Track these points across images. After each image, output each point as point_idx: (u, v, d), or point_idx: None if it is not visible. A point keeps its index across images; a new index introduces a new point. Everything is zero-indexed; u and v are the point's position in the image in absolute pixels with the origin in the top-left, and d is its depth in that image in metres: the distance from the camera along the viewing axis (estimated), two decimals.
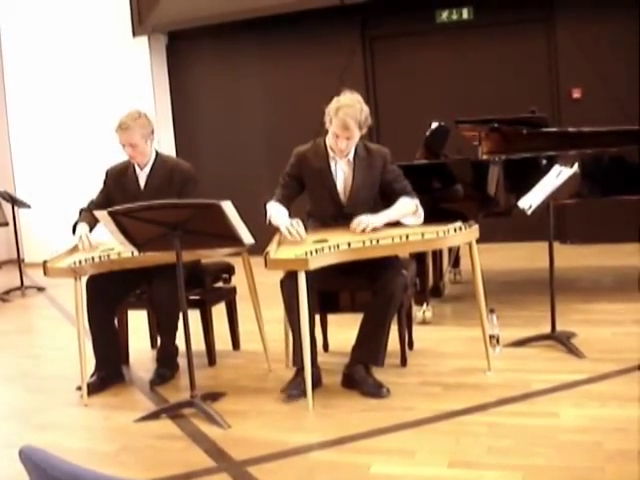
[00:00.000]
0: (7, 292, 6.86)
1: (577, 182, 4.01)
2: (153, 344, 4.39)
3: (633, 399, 3.01)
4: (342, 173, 3.59)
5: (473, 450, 2.68)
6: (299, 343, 3.26)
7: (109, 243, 3.63)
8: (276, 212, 3.54)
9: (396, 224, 3.52)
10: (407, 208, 3.55)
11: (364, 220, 3.37)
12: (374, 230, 3.36)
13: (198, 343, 3.88)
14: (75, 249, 3.74)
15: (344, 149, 3.48)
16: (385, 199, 3.60)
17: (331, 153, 3.57)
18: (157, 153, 3.87)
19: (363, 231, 3.33)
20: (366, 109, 3.44)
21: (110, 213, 3.10)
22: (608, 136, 4.95)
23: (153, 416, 3.24)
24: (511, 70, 7.36)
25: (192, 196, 3.68)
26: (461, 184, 4.68)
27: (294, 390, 3.32)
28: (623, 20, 6.82)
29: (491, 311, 3.78)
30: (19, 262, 7.08)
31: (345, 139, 3.43)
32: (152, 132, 3.79)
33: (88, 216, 3.78)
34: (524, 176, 4.26)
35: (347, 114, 3.36)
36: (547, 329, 3.89)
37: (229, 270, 4.22)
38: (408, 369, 3.70)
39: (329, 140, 3.53)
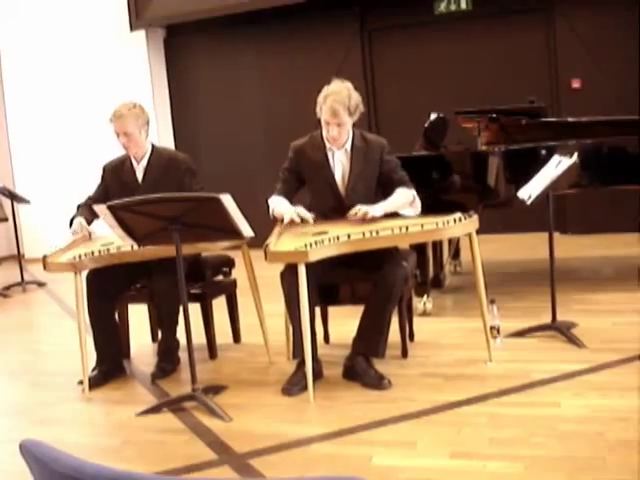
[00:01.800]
0: (7, 288, 6.86)
1: (576, 172, 4.00)
2: (154, 338, 4.39)
3: (634, 389, 3.01)
4: (340, 164, 3.59)
5: (474, 441, 2.68)
6: (299, 335, 3.26)
7: (108, 237, 3.63)
8: (278, 203, 3.54)
9: (394, 215, 3.52)
10: (404, 199, 3.55)
11: (363, 208, 3.36)
12: (372, 220, 3.34)
13: (199, 337, 3.89)
14: (74, 243, 3.74)
15: (336, 137, 3.48)
16: (383, 190, 3.60)
17: (328, 145, 3.57)
18: (153, 146, 3.87)
19: (363, 219, 3.32)
20: (355, 96, 3.44)
21: (109, 207, 3.10)
22: (607, 126, 4.95)
23: (155, 410, 3.25)
24: (510, 60, 7.34)
25: (193, 187, 3.69)
26: (461, 175, 4.67)
27: (294, 387, 3.32)
28: (622, 9, 6.80)
29: (491, 302, 3.78)
30: (19, 258, 7.08)
31: (336, 126, 3.44)
32: (147, 123, 3.79)
33: (85, 211, 3.79)
34: (524, 166, 4.25)
35: (335, 100, 3.38)
36: (547, 319, 3.89)
37: (229, 263, 4.22)
38: (409, 360, 3.70)
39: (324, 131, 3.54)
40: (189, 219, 3.04)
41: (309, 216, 3.36)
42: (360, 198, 3.48)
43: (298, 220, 3.34)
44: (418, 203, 3.57)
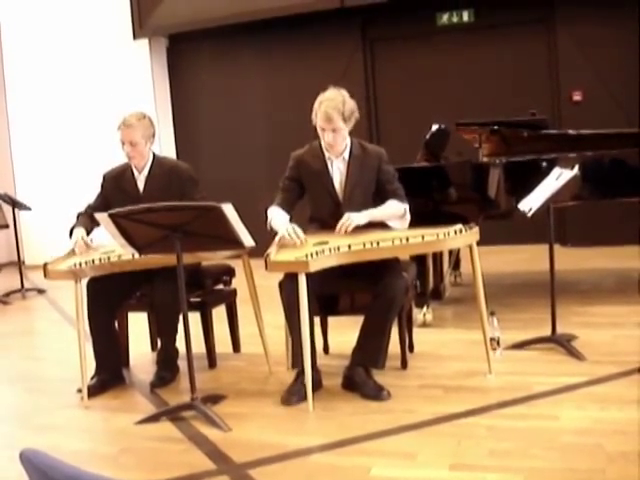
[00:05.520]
0: (7, 294, 6.86)
1: (577, 184, 4.01)
2: (153, 346, 4.38)
3: (634, 401, 3.01)
4: (338, 172, 3.61)
5: (474, 453, 2.67)
6: (299, 345, 3.25)
7: (109, 246, 3.63)
8: (276, 217, 3.54)
9: (381, 226, 3.52)
10: (394, 211, 3.57)
11: (345, 219, 3.37)
12: (357, 229, 3.36)
13: (198, 346, 3.88)
14: (72, 252, 3.73)
15: (332, 142, 3.50)
16: (377, 199, 3.61)
17: (327, 153, 3.59)
18: (154, 155, 3.87)
19: (346, 231, 3.34)
20: (350, 102, 3.48)
21: (111, 215, 3.10)
22: (608, 138, 4.95)
23: (153, 418, 3.24)
24: (511, 72, 7.37)
25: (194, 196, 3.69)
26: (461, 187, 4.68)
27: (294, 397, 3.31)
28: (623, 21, 6.83)
29: (492, 314, 3.78)
30: (19, 264, 7.09)
31: (330, 131, 3.46)
32: (153, 135, 3.81)
33: (85, 220, 3.79)
34: (524, 178, 4.26)
35: (329, 106, 3.42)
36: (548, 331, 3.89)
37: (229, 272, 4.21)
38: (408, 372, 3.69)
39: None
40: (190, 228, 3.04)
41: (302, 237, 3.36)
42: (357, 206, 3.49)
43: (288, 238, 3.34)
44: (408, 217, 3.59)
